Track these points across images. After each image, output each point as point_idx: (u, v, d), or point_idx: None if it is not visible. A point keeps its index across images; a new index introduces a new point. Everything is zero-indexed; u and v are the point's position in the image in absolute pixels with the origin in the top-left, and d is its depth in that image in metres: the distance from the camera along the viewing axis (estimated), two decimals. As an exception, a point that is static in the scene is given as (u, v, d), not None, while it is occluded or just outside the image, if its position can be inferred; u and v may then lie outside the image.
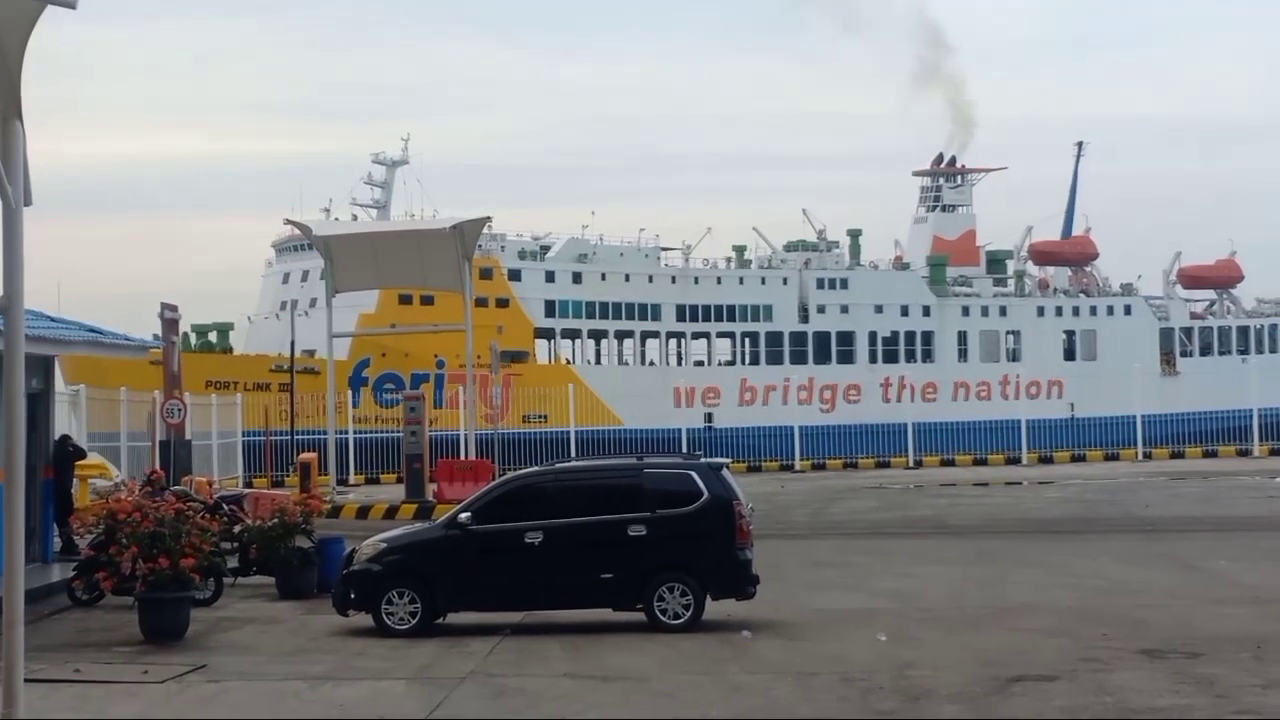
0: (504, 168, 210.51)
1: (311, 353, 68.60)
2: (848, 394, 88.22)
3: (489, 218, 52.42)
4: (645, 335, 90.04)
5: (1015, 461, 65.24)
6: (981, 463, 65.47)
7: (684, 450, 32.47)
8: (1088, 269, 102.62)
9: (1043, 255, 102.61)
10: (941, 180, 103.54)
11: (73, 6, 12.32)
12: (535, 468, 25.83)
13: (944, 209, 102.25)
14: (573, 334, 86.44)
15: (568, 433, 63.12)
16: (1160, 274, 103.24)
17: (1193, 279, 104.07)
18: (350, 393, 61.93)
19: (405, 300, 71.47)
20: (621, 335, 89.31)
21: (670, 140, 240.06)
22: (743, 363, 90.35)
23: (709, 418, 77.79)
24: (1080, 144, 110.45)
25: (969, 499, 46.73)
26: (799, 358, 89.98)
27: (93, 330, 32.70)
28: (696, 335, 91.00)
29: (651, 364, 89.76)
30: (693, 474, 22.71)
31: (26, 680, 13.03)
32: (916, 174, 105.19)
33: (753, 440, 69.31)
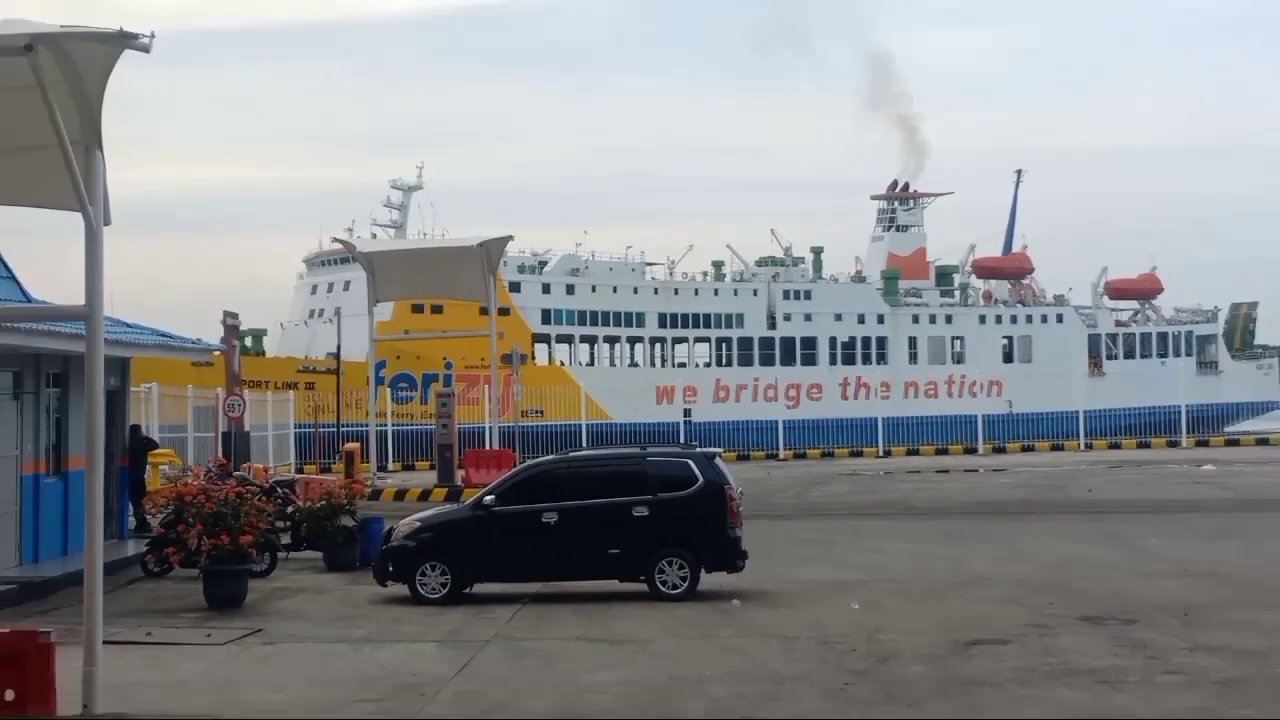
0: (507, 193, 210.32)
1: (334, 354, 68.72)
2: (810, 392, 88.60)
3: (511, 236, 52.09)
4: (631, 340, 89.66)
5: (972, 451, 65.42)
6: (943, 452, 65.62)
7: (682, 441, 32.44)
8: (1025, 282, 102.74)
9: (985, 270, 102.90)
10: (896, 204, 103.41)
11: (147, 50, 12.37)
12: (551, 456, 25.79)
13: (898, 229, 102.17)
14: (566, 339, 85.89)
15: (574, 426, 63.67)
16: (1089, 286, 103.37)
17: (1118, 290, 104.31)
18: (370, 389, 62.17)
19: (417, 310, 71.44)
20: (610, 340, 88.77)
21: (659, 167, 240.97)
22: (717, 365, 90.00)
23: (687, 413, 77.65)
24: (1019, 171, 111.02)
25: (932, 484, 46.72)
26: (767, 360, 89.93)
27: (162, 335, 32.76)
28: (677, 340, 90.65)
29: (636, 365, 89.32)
30: (689, 462, 22.73)
31: (105, 642, 13.11)
32: (874, 198, 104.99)
33: (727, 432, 69.39)
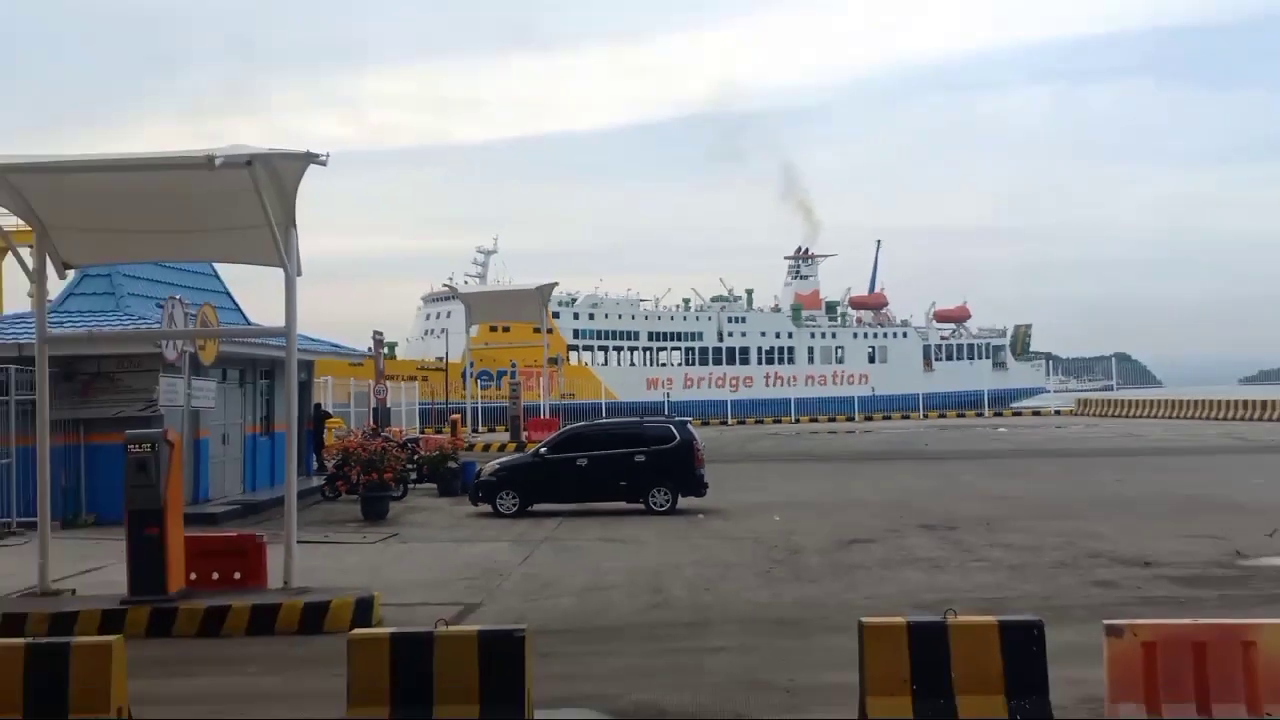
0: (551, 254, 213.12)
1: (441, 359, 69.04)
2: (745, 382, 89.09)
3: (556, 283, 52.86)
4: (630, 349, 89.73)
5: (851, 419, 65.40)
6: (833, 420, 65.59)
7: (665, 413, 32.52)
8: (883, 311, 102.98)
9: (856, 304, 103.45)
10: (800, 261, 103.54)
11: (324, 164, 12.37)
12: (582, 423, 25.81)
13: (801, 277, 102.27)
14: (588, 348, 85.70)
15: (595, 403, 64.51)
16: (923, 314, 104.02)
17: (941, 316, 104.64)
18: (462, 381, 62.52)
19: (493, 329, 71.51)
20: (616, 349, 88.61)
21: (650, 237, 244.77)
22: (685, 365, 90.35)
23: (667, 395, 78.42)
24: (879, 241, 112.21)
25: (827, 440, 46.80)
26: (717, 361, 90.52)
27: (334, 345, 32.75)
28: (659, 349, 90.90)
29: (634, 365, 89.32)
30: (671, 426, 22.74)
31: (297, 542, 13.12)
32: (786, 258, 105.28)
33: (693, 407, 69.49)
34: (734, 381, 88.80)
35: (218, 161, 11.34)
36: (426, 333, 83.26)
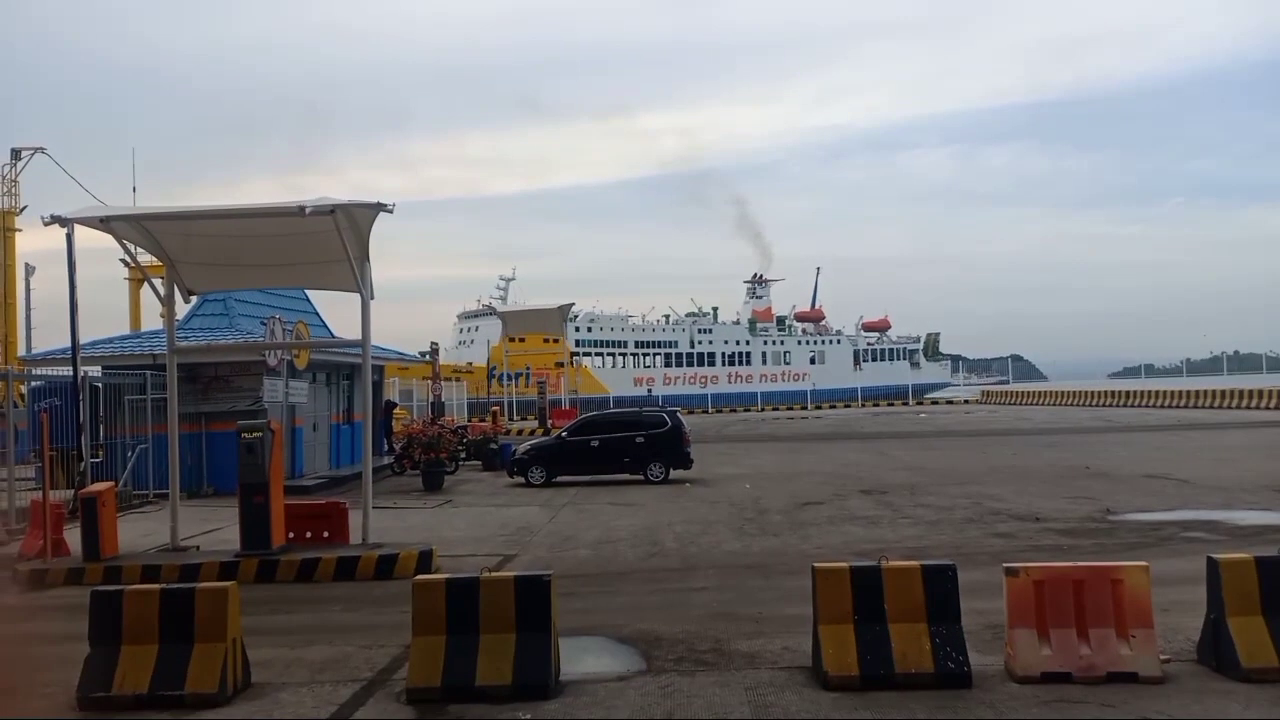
0: (560, 280, 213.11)
1: (469, 363, 68.85)
2: (711, 380, 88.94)
3: (573, 303, 52.76)
4: (621, 355, 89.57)
5: (804, 408, 65.29)
6: (790, 409, 65.50)
7: (659, 405, 32.50)
8: (821, 323, 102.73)
9: (800, 317, 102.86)
10: (755, 285, 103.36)
11: (391, 212, 12.36)
12: (595, 413, 25.77)
13: (756, 297, 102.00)
14: (588, 355, 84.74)
15: (594, 397, 64.45)
16: (854, 324, 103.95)
17: (868, 326, 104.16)
18: (488, 381, 62.20)
19: (512, 340, 71.39)
20: (610, 355, 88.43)
21: (637, 268, 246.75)
22: (664, 367, 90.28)
23: (649, 391, 78.42)
24: (819, 268, 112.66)
25: (785, 424, 46.77)
26: (690, 364, 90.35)
27: (399, 353, 32.68)
28: (645, 354, 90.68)
29: (624, 367, 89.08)
30: (664, 414, 22.72)
31: (373, 508, 13.08)
32: (745, 282, 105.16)
33: (672, 401, 69.38)
34: (702, 379, 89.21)
35: (308, 210, 11.34)
36: (460, 343, 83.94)
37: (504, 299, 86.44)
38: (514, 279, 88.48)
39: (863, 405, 66.38)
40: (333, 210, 11.62)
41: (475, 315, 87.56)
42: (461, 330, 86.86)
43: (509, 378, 60.40)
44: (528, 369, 56.38)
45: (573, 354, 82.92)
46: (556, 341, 74.03)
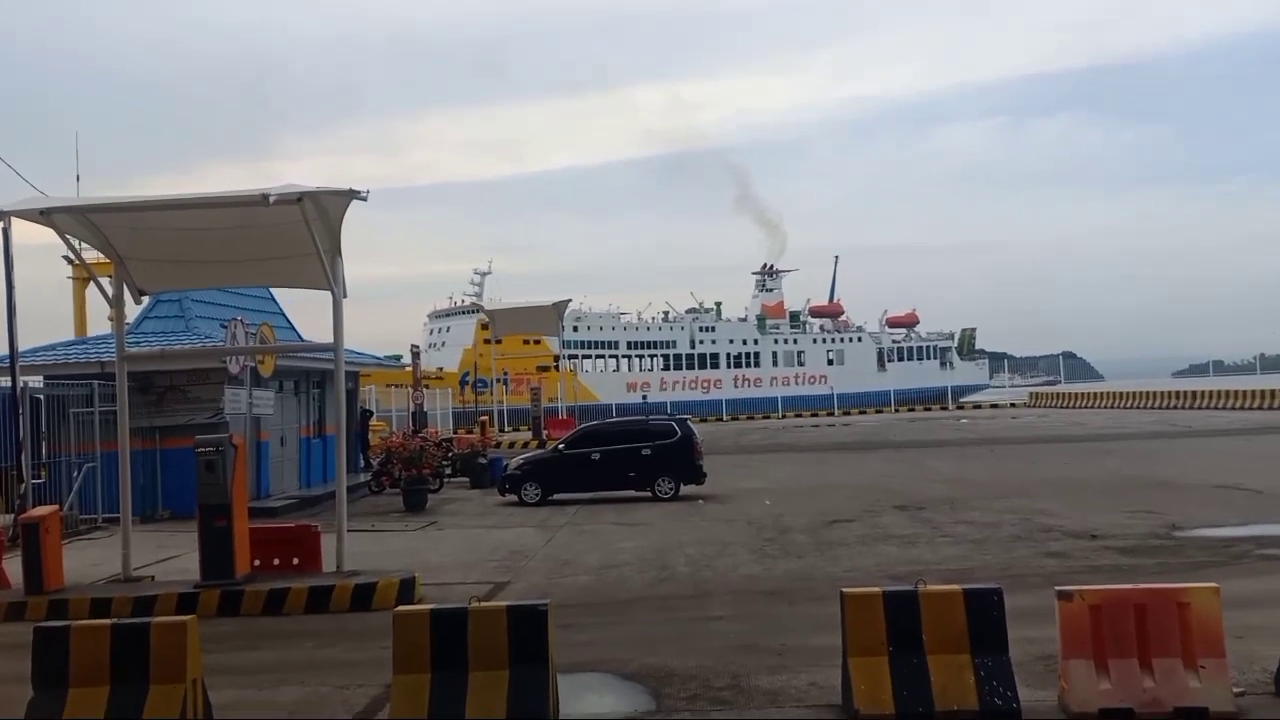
0: (544, 275, 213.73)
1: (440, 368, 68.37)
2: (715, 384, 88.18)
3: (570, 299, 52.27)
4: (610, 356, 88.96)
5: (831, 413, 65.25)
6: (815, 414, 65.46)
7: (669, 413, 32.48)
8: (840, 319, 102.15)
9: (815, 312, 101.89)
10: (765, 276, 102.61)
11: (365, 200, 12.37)
12: (596, 422, 25.78)
13: (766, 290, 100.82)
14: (573, 357, 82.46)
15: (610, 405, 63.82)
16: (877, 320, 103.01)
17: (893, 322, 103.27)
18: (460, 388, 61.75)
19: (487, 341, 70.99)
20: (598, 356, 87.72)
21: (634, 260, 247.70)
22: (662, 370, 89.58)
23: (644, 397, 78.07)
24: (836, 257, 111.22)
25: (808, 432, 46.73)
26: (690, 366, 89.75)
27: (375, 358, 32.77)
28: (639, 356, 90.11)
29: (616, 371, 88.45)
30: (673, 423, 22.74)
31: (348, 531, 13.11)
32: (754, 273, 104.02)
33: (672, 407, 68.91)
34: (705, 384, 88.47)
35: (272, 199, 11.35)
36: (431, 345, 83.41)
37: (479, 295, 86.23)
38: (489, 273, 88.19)
39: (896, 410, 66.23)
40: (300, 198, 11.64)
41: (447, 314, 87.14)
42: (432, 331, 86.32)
43: (484, 384, 59.96)
44: (505, 374, 55.93)
45: (557, 357, 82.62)
46: (538, 343, 73.59)
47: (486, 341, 71.62)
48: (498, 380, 60.83)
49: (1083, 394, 67.78)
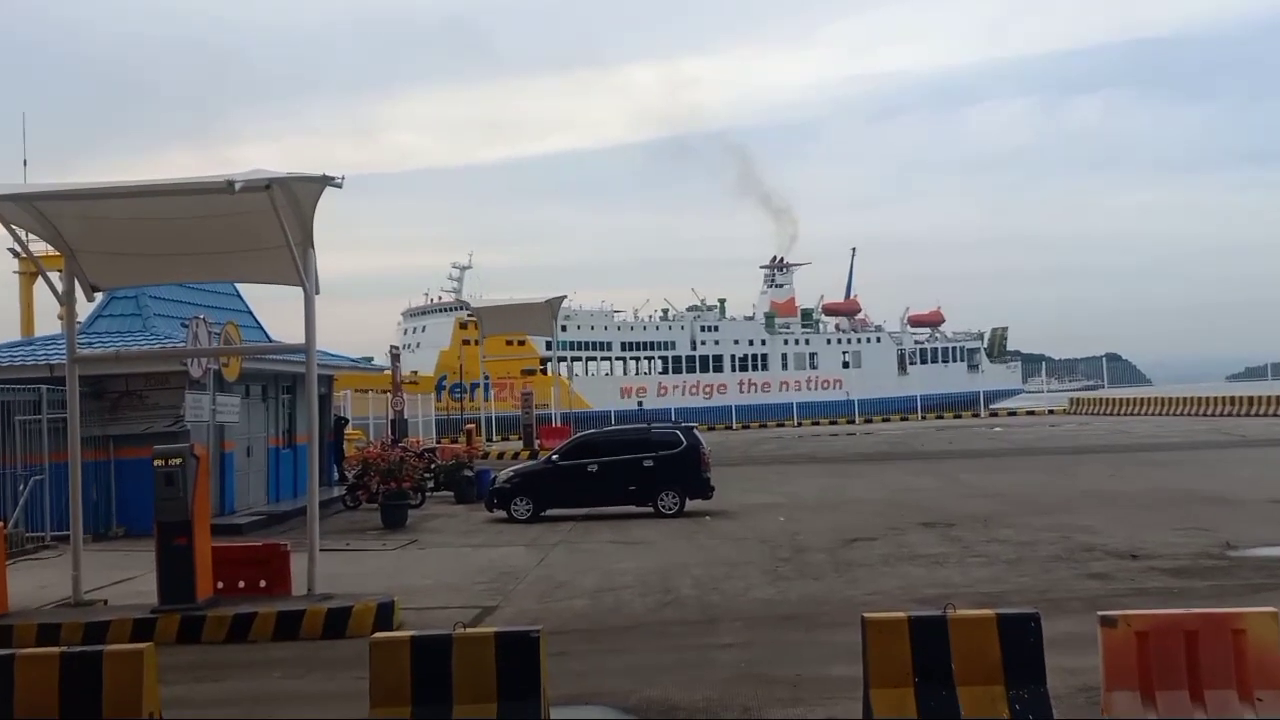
0: (527, 268, 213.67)
1: (414, 371, 67.81)
2: (719, 389, 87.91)
3: (566, 296, 52.17)
4: (602, 358, 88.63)
5: (851, 421, 65.20)
6: (834, 422, 65.40)
7: (673, 420, 32.45)
8: (857, 317, 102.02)
9: (829, 310, 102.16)
10: (774, 269, 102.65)
11: (340, 186, 12.40)
12: (592, 430, 25.79)
13: (776, 286, 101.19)
14: (561, 359, 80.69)
15: (608, 412, 63.34)
16: (898, 319, 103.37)
17: (916, 321, 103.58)
18: (436, 393, 61.33)
19: (465, 342, 70.59)
20: (589, 359, 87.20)
21: (630, 253, 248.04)
22: (660, 373, 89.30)
23: (640, 404, 77.66)
24: (854, 249, 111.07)
25: (828, 442, 46.67)
26: (691, 370, 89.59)
27: (351, 360, 32.80)
28: (635, 358, 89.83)
29: (607, 375, 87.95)
30: (678, 432, 22.73)
31: (320, 550, 13.11)
32: (762, 267, 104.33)
33: (671, 415, 68.68)
34: (707, 389, 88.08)
35: (238, 186, 11.36)
36: (405, 346, 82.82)
37: (458, 291, 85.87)
38: (470, 267, 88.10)
39: (923, 417, 66.15)
40: (268, 185, 11.66)
41: (423, 312, 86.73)
42: (406, 331, 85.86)
43: (463, 389, 59.68)
44: (485, 378, 55.70)
45: (544, 359, 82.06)
46: (523, 344, 73.19)
47: (465, 342, 71.20)
48: (478, 385, 60.46)
49: (1128, 399, 67.78)
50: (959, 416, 68.19)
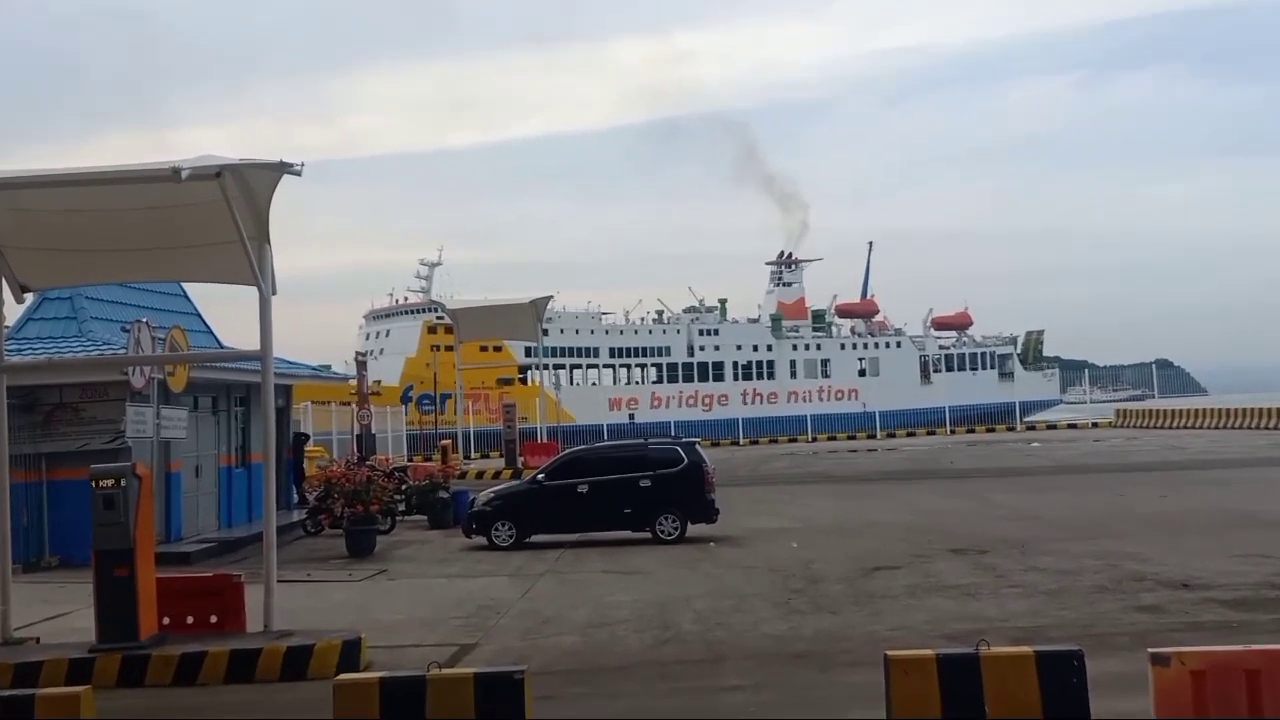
0: (505, 266, 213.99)
1: (378, 381, 67.15)
2: (720, 400, 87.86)
3: (552, 296, 51.80)
4: (589, 366, 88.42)
5: (873, 435, 65.17)
6: (853, 436, 65.41)
7: (673, 435, 32.43)
8: (875, 319, 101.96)
9: (844, 311, 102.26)
10: (782, 267, 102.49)
11: (299, 174, 12.41)
12: (582, 446, 25.80)
13: (784, 284, 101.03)
14: (542, 367, 76.63)
15: (600, 426, 63.22)
16: (920, 321, 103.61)
17: (940, 323, 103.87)
18: (401, 405, 60.86)
19: (435, 348, 70.07)
20: (574, 366, 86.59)
21: (624, 244, 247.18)
22: (653, 382, 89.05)
23: (631, 416, 77.47)
24: (870, 243, 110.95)
25: (846, 459, 46.67)
26: (688, 378, 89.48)
27: (312, 369, 32.78)
28: (625, 366, 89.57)
29: (594, 384, 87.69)
30: (678, 448, 22.72)
31: (278, 581, 13.10)
32: (768, 263, 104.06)
33: (667, 428, 68.12)
34: (707, 400, 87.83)
35: (185, 174, 11.36)
36: (368, 353, 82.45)
37: (426, 290, 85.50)
38: (439, 264, 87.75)
39: (952, 431, 66.16)
40: (219, 173, 11.67)
41: (387, 315, 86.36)
42: (368, 336, 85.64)
43: (430, 401, 59.40)
44: (459, 385, 55.48)
45: (523, 367, 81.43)
46: (499, 350, 72.76)
47: (435, 348, 70.72)
48: (449, 396, 59.93)
49: (1180, 411, 67.81)
50: (992, 430, 68.16)
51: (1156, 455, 41.13)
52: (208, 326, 26.84)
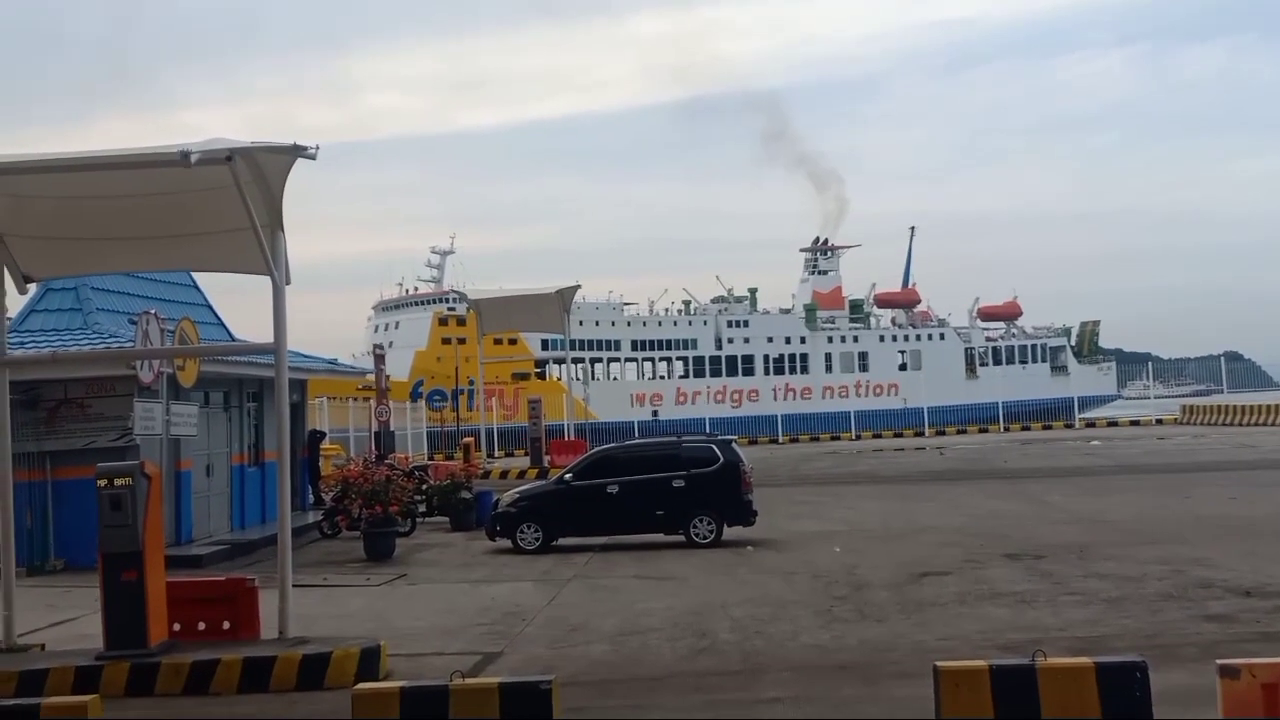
0: (522, 252, 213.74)
1: (387, 375, 66.93)
2: (750, 396, 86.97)
3: (579, 285, 51.55)
4: (610, 360, 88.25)
5: (920, 434, 64.85)
6: (898, 434, 65.11)
7: (707, 432, 32.38)
8: (917, 309, 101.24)
9: (883, 301, 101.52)
10: (817, 253, 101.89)
11: (313, 158, 12.47)
12: (612, 445, 25.84)
13: (819, 273, 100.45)
14: (560, 361, 79.24)
15: (630, 423, 63.01)
16: (965, 311, 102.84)
17: (987, 314, 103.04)
18: (409, 401, 60.85)
19: (446, 341, 69.94)
20: (594, 360, 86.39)
21: (649, 230, 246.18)
22: (679, 377, 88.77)
23: (655, 413, 76.98)
24: (913, 228, 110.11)
25: (891, 459, 46.45)
26: (715, 372, 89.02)
27: (330, 362, 32.96)
28: (648, 359, 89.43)
29: (615, 379, 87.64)
30: (713, 446, 22.71)
31: (293, 586, 13.18)
32: (802, 250, 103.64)
33: (695, 426, 67.83)
34: (736, 396, 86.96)
35: (194, 157, 11.43)
36: (378, 345, 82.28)
37: (438, 281, 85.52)
38: (452, 252, 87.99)
39: (1006, 428, 65.75)
40: (230, 156, 11.73)
41: (397, 306, 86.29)
42: (377, 328, 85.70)
43: (443, 397, 59.63)
44: (470, 383, 55.25)
45: (540, 362, 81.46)
46: (514, 343, 72.54)
47: (446, 341, 70.56)
48: (461, 391, 59.81)
49: (1252, 406, 67.13)
50: (1049, 427, 67.60)
51: (1225, 454, 40.74)
52: (219, 318, 27.00)
